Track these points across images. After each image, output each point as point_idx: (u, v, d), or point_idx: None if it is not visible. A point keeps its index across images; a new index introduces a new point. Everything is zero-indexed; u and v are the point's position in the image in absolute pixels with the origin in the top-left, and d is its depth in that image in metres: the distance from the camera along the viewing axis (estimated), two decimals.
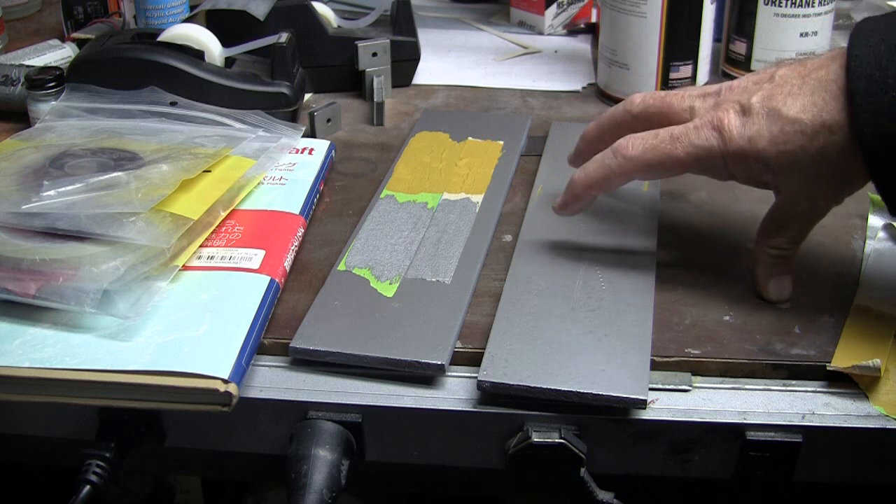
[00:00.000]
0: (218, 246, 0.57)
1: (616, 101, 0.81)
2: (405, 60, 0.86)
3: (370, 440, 0.51)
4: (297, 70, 0.78)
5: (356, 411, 0.50)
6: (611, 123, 0.58)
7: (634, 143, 0.53)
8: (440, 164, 0.70)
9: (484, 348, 0.51)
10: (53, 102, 0.72)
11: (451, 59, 0.94)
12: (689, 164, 0.52)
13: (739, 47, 0.83)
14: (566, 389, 0.48)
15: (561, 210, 0.58)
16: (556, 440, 0.48)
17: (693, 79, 0.79)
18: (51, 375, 0.48)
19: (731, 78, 0.84)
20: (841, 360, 0.50)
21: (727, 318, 0.54)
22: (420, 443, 0.51)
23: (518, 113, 0.81)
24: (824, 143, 0.48)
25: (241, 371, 0.48)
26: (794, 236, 0.54)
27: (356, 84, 0.84)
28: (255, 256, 0.56)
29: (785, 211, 0.53)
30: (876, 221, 0.62)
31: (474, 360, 0.51)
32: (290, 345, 0.51)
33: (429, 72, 0.90)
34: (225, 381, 0.47)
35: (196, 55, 0.74)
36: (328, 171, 0.70)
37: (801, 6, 0.78)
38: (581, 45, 0.98)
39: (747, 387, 0.51)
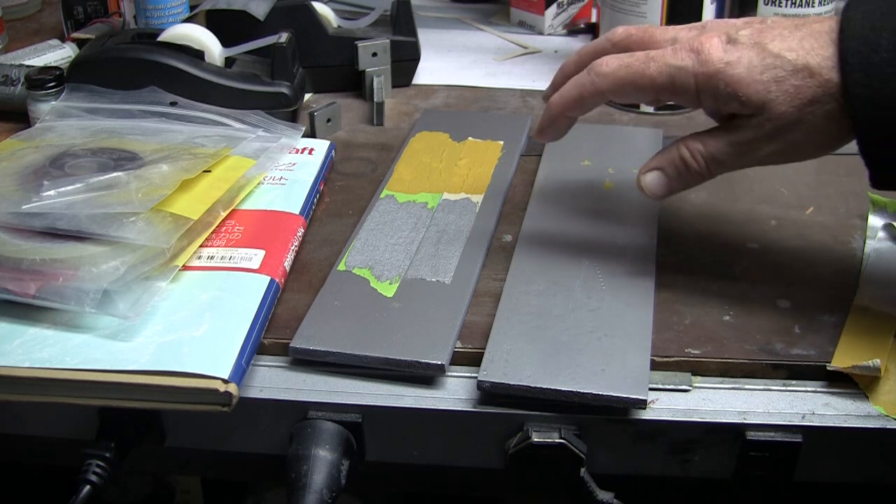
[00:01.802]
0: (218, 246, 0.57)
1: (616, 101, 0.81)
2: (405, 60, 0.86)
3: (370, 440, 0.51)
4: (297, 70, 0.78)
5: (356, 411, 0.50)
6: (590, 55, 0.56)
7: (610, 62, 0.52)
8: (440, 164, 0.70)
9: (484, 348, 0.51)
10: (53, 102, 0.72)
11: (451, 59, 0.94)
12: (661, 85, 0.51)
13: None
14: (566, 389, 0.48)
15: (539, 136, 0.57)
16: (556, 440, 0.48)
17: None
18: (51, 375, 0.48)
19: None
20: (841, 360, 0.50)
21: (727, 318, 0.54)
22: (420, 443, 0.51)
23: (518, 113, 0.81)
24: (801, 84, 0.48)
25: (241, 371, 0.48)
26: (715, 156, 0.51)
27: (356, 84, 0.84)
28: (255, 256, 0.56)
29: (729, 128, 0.51)
30: (876, 221, 0.62)
31: (474, 360, 0.51)
32: (290, 345, 0.51)
33: (429, 72, 0.90)
34: (225, 381, 0.47)
35: (196, 55, 0.74)
36: (328, 171, 0.70)
37: (801, 6, 0.78)
38: (581, 45, 0.97)
39: (747, 387, 0.51)
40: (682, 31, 0.52)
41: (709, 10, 0.77)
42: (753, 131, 0.50)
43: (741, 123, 0.50)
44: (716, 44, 0.50)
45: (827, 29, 0.48)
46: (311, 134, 0.75)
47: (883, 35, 0.46)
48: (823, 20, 0.49)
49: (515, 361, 0.49)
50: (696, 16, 0.76)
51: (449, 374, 0.51)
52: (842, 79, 0.47)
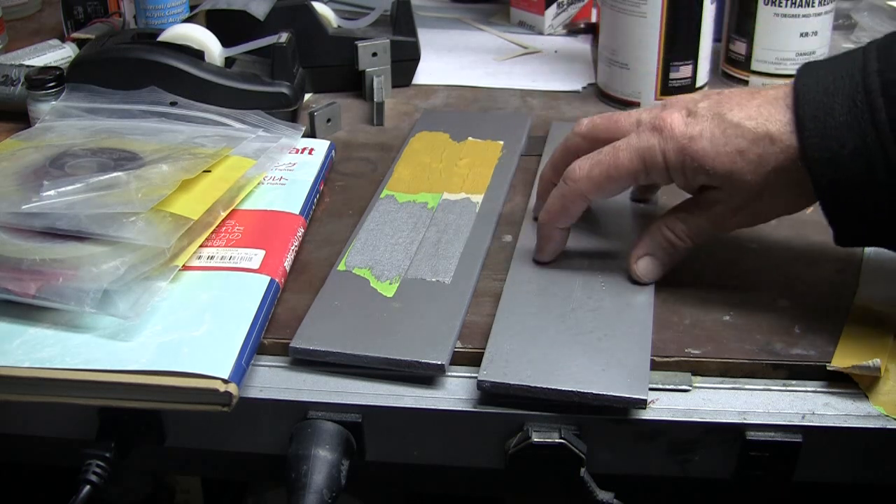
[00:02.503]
0: (218, 246, 0.57)
1: (616, 101, 0.82)
2: (405, 60, 0.86)
3: (370, 440, 0.51)
4: (297, 70, 0.78)
5: (356, 411, 0.50)
6: (563, 154, 0.59)
7: (581, 165, 0.54)
8: (440, 164, 0.70)
9: (484, 348, 0.51)
10: (53, 102, 0.72)
11: (451, 59, 0.94)
12: (634, 169, 0.52)
13: (739, 47, 0.83)
14: (566, 389, 0.48)
15: (540, 256, 0.58)
16: (556, 440, 0.48)
17: (693, 79, 0.79)
18: (51, 375, 0.48)
19: (732, 78, 0.85)
20: (841, 360, 0.50)
21: (727, 318, 0.54)
22: (420, 443, 0.51)
23: (518, 113, 0.81)
24: (763, 152, 0.49)
25: (241, 371, 0.48)
26: (696, 231, 0.54)
27: (356, 84, 0.84)
28: (255, 256, 0.56)
29: (703, 204, 0.53)
30: None
31: (474, 360, 0.51)
32: (290, 345, 0.51)
33: (429, 72, 0.90)
34: (225, 381, 0.47)
35: (196, 55, 0.74)
36: (328, 171, 0.70)
37: (801, 6, 0.78)
38: (581, 45, 0.98)
39: (747, 387, 0.51)
40: (644, 114, 0.54)
41: (709, 9, 0.77)
42: (726, 204, 0.52)
43: (714, 197, 0.52)
44: (677, 119, 0.51)
45: (782, 95, 0.50)
46: (311, 134, 0.75)
47: (836, 100, 0.47)
48: (777, 87, 0.51)
49: (515, 361, 0.49)
50: (696, 15, 0.76)
51: (449, 374, 0.51)
52: (800, 143, 0.48)
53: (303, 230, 0.62)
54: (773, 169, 0.49)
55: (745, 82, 0.83)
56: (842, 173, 0.47)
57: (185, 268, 0.55)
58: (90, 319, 0.50)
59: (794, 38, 0.80)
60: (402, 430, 0.51)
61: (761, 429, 0.48)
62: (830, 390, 0.50)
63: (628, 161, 0.52)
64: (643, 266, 0.55)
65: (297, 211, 0.62)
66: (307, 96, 0.84)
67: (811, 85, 0.48)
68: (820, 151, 0.47)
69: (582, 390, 0.47)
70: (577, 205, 0.55)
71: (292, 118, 0.75)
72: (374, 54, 0.82)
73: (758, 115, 0.49)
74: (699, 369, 0.51)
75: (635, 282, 0.55)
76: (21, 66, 0.79)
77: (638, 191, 0.64)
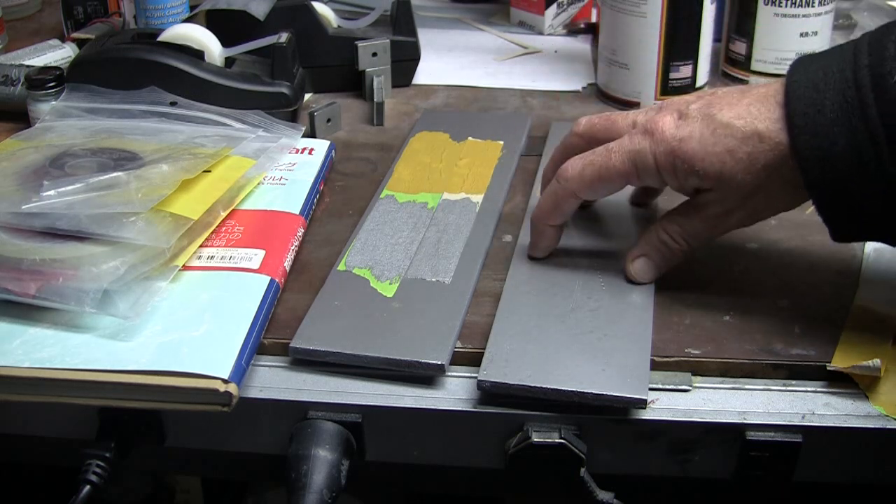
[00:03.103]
0: (218, 246, 0.57)
1: (616, 101, 0.82)
2: (405, 60, 0.86)
3: (370, 440, 0.51)
4: (297, 70, 0.78)
5: (356, 411, 0.50)
6: (561, 153, 0.59)
7: (574, 164, 0.54)
8: (440, 164, 0.70)
9: (484, 348, 0.51)
10: (53, 102, 0.72)
11: (451, 59, 0.94)
12: (626, 171, 0.52)
13: (739, 47, 0.83)
14: (566, 389, 0.48)
15: (533, 252, 0.58)
16: (556, 440, 0.48)
17: (693, 79, 0.79)
18: (51, 375, 0.48)
19: (732, 78, 0.85)
20: (841, 360, 0.50)
21: (727, 318, 0.54)
22: (420, 443, 0.51)
23: (518, 113, 0.81)
24: (752, 150, 0.49)
25: (241, 371, 0.48)
26: (691, 233, 0.54)
27: (356, 84, 0.84)
28: (255, 256, 0.56)
29: (697, 206, 0.53)
30: None
31: (474, 360, 0.51)
32: (290, 345, 0.51)
33: (429, 72, 0.90)
34: (225, 381, 0.47)
35: (196, 55, 0.74)
36: (328, 171, 0.70)
37: (801, 6, 0.78)
38: (581, 45, 0.98)
39: (747, 387, 0.51)
40: (640, 115, 0.54)
41: (709, 9, 0.77)
42: (719, 205, 0.52)
43: (707, 199, 0.52)
44: (668, 122, 0.51)
45: (773, 92, 0.49)
46: (311, 134, 0.75)
47: (827, 96, 0.47)
48: (769, 85, 0.50)
49: (515, 361, 0.49)
50: (696, 15, 0.76)
51: (449, 374, 0.51)
52: (790, 141, 0.48)
53: (303, 230, 0.62)
54: (763, 167, 0.49)
55: (746, 82, 0.83)
56: (833, 171, 0.46)
57: (185, 268, 0.55)
58: (90, 319, 0.50)
59: (794, 38, 0.80)
60: (402, 430, 0.51)
61: (761, 429, 0.48)
62: (830, 390, 0.50)
63: (620, 163, 0.52)
64: (638, 266, 0.55)
65: (297, 211, 0.62)
66: (307, 96, 0.84)
67: (801, 80, 0.48)
68: (810, 149, 0.47)
69: (582, 390, 0.47)
70: (568, 203, 0.55)
71: (292, 118, 0.75)
72: (374, 54, 0.82)
73: (747, 113, 0.49)
74: (699, 369, 0.51)
75: (632, 282, 0.56)
76: (21, 66, 0.79)
77: (637, 195, 0.64)
